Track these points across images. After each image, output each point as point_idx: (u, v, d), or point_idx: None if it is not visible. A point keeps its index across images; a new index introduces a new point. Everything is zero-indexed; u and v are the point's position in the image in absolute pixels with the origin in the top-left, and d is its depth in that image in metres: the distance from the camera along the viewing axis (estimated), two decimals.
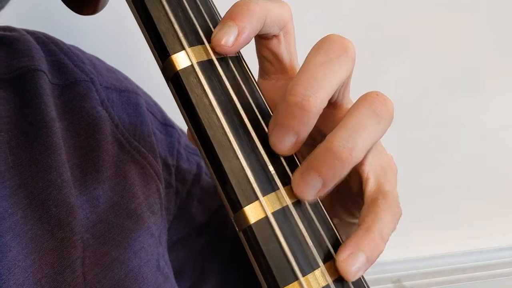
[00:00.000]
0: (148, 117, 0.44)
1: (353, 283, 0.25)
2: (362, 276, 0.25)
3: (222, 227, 0.51)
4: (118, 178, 0.39)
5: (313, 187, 0.24)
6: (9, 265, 0.31)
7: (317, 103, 0.24)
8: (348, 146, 0.24)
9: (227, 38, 0.25)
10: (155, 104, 0.48)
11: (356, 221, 0.35)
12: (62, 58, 0.40)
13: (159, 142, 0.45)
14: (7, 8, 0.38)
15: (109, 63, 0.47)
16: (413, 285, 0.85)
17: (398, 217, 0.27)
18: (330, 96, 0.25)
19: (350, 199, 0.32)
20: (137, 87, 0.47)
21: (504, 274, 0.88)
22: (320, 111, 0.25)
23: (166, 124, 0.47)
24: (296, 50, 0.31)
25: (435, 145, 0.81)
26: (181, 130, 0.50)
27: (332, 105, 0.29)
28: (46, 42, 0.41)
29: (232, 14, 0.26)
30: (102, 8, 0.34)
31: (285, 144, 0.25)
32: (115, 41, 0.64)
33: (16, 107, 0.36)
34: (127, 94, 0.44)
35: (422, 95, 0.79)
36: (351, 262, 0.24)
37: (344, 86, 0.27)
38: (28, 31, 0.41)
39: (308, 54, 0.26)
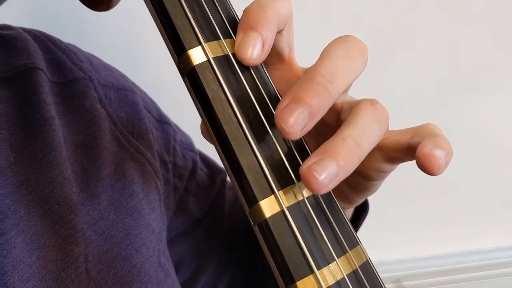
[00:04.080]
0: (145, 114, 0.45)
1: (366, 277, 0.25)
2: (377, 272, 0.25)
3: (217, 221, 0.52)
4: (117, 176, 0.39)
5: (330, 174, 0.23)
6: (14, 262, 0.30)
7: (337, 90, 0.25)
8: (359, 143, 0.25)
9: (252, 51, 0.25)
10: (151, 101, 0.48)
11: (346, 206, 0.36)
12: (60, 56, 0.40)
13: (156, 139, 0.45)
14: (8, 6, 0.38)
15: (113, 60, 0.47)
16: (413, 285, 0.85)
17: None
18: (345, 89, 0.26)
19: (345, 181, 0.32)
20: (134, 84, 0.47)
21: (504, 274, 0.89)
22: (334, 100, 0.25)
23: (162, 121, 0.47)
24: (293, 41, 0.31)
25: None
26: (176, 126, 0.50)
27: None
28: (44, 40, 0.41)
29: (251, 22, 0.26)
30: (115, 4, 0.34)
31: (297, 122, 0.23)
32: (119, 38, 0.64)
33: (16, 105, 0.36)
34: (125, 92, 0.44)
35: (422, 95, 0.79)
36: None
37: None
38: (25, 29, 0.41)
39: (328, 46, 0.26)
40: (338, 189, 0.34)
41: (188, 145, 0.50)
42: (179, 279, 0.47)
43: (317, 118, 0.24)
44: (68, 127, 0.38)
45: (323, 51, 0.26)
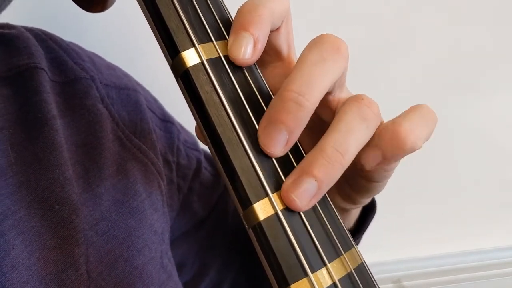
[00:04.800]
0: (148, 114, 0.44)
1: (361, 280, 0.25)
2: (372, 275, 0.25)
3: (221, 220, 0.51)
4: (120, 176, 0.39)
5: (308, 191, 0.24)
6: (13, 263, 0.30)
7: (312, 100, 0.25)
8: (341, 149, 0.25)
9: (244, 50, 0.25)
10: (155, 100, 0.48)
11: (351, 206, 0.35)
12: (62, 55, 0.40)
13: (159, 139, 0.45)
14: (9, 5, 0.38)
15: (111, 60, 0.47)
16: (413, 285, 0.85)
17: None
18: (323, 94, 0.25)
19: (347, 182, 0.32)
20: (137, 83, 0.47)
21: (504, 274, 0.88)
22: (313, 109, 0.25)
23: (165, 121, 0.47)
24: (293, 38, 0.31)
25: (435, 145, 0.82)
26: (179, 125, 0.50)
27: (330, 97, 0.29)
28: (45, 39, 0.41)
29: (243, 22, 0.26)
30: (110, 6, 0.34)
31: (278, 142, 0.24)
32: (117, 38, 0.64)
33: (17, 105, 0.36)
34: (127, 91, 0.44)
35: (422, 95, 0.79)
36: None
37: (340, 81, 0.28)
38: (26, 28, 0.41)
39: (302, 53, 0.26)
40: (340, 190, 0.34)
41: (192, 144, 0.50)
42: (182, 279, 0.47)
43: (298, 132, 0.25)
44: (69, 127, 0.38)
45: (298, 58, 0.26)
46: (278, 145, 0.24)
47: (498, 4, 0.75)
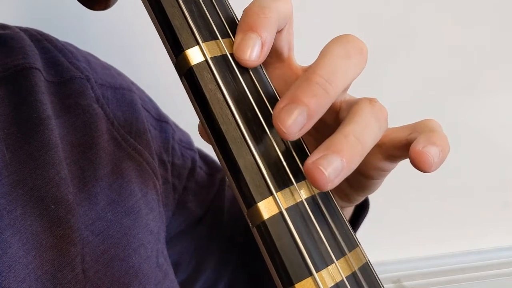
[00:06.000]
0: (143, 114, 0.44)
1: (366, 279, 0.24)
2: (376, 274, 0.25)
3: (217, 219, 0.51)
4: (115, 176, 0.39)
5: (334, 169, 0.23)
6: (10, 262, 0.30)
7: (336, 90, 0.24)
8: (360, 138, 0.24)
9: (251, 52, 0.25)
10: (150, 100, 0.48)
11: (347, 204, 0.36)
12: (57, 55, 0.40)
13: (154, 138, 0.45)
14: (8, 5, 0.38)
15: (111, 59, 0.47)
16: (413, 285, 0.85)
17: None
18: (344, 89, 0.25)
19: (346, 180, 0.32)
20: (132, 83, 0.47)
21: (504, 274, 0.88)
22: (334, 99, 0.24)
23: (160, 120, 0.47)
24: (293, 40, 0.31)
25: None
26: (174, 124, 0.50)
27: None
28: (40, 40, 0.41)
29: (251, 23, 0.26)
30: (113, 4, 0.34)
31: (296, 123, 0.23)
32: (118, 38, 0.64)
33: (12, 105, 0.36)
34: (122, 91, 0.44)
35: (422, 95, 0.79)
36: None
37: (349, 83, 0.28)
38: (21, 29, 0.41)
39: (327, 46, 0.26)
40: (338, 188, 0.34)
41: (187, 144, 0.50)
42: (179, 278, 0.47)
43: (316, 118, 0.24)
44: (65, 127, 0.38)
45: (321, 50, 0.26)
46: (296, 126, 0.23)
47: (498, 4, 0.75)
